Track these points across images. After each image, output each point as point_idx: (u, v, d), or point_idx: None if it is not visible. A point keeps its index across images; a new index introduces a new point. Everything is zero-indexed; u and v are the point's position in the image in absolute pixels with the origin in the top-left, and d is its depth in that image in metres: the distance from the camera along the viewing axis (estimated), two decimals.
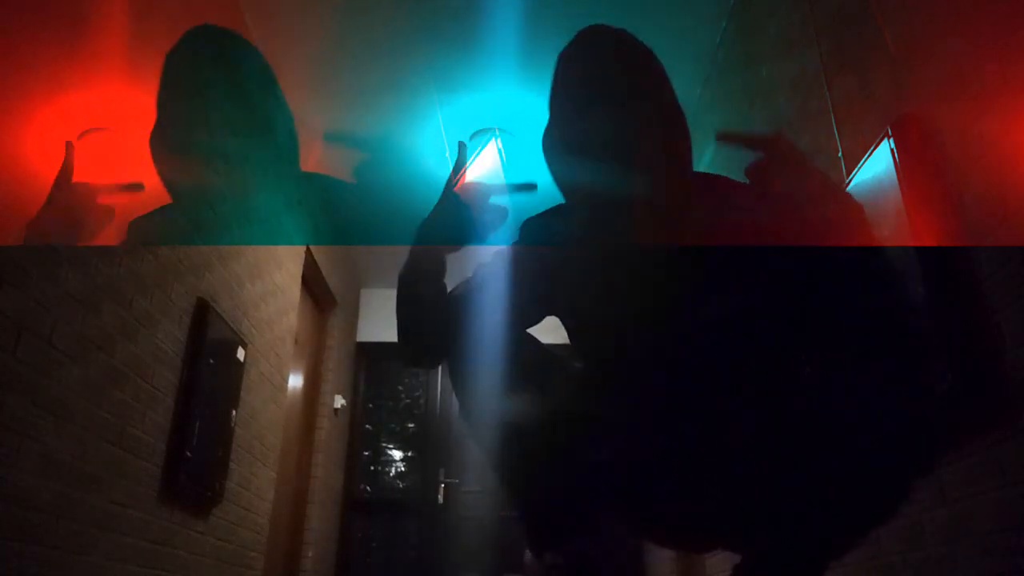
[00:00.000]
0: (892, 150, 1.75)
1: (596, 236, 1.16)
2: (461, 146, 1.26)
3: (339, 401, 4.73)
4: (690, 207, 1.11)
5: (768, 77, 2.68)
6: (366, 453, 5.38)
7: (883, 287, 1.05)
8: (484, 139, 3.74)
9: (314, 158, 3.97)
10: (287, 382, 3.79)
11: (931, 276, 1.61)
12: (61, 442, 1.86)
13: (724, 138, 1.12)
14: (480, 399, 1.17)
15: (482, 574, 4.74)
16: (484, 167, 3.80)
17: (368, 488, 5.32)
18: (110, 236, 1.90)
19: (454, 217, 1.21)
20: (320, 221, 1.66)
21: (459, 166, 1.25)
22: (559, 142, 1.12)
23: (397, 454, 5.49)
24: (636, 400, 1.13)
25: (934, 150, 1.67)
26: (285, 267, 3.74)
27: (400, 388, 5.65)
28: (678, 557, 3.91)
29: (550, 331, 1.36)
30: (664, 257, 1.12)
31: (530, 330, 1.26)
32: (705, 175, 1.20)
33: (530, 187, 1.27)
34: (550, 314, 1.25)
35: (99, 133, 2.06)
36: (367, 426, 5.45)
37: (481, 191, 1.24)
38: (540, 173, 1.26)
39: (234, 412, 2.93)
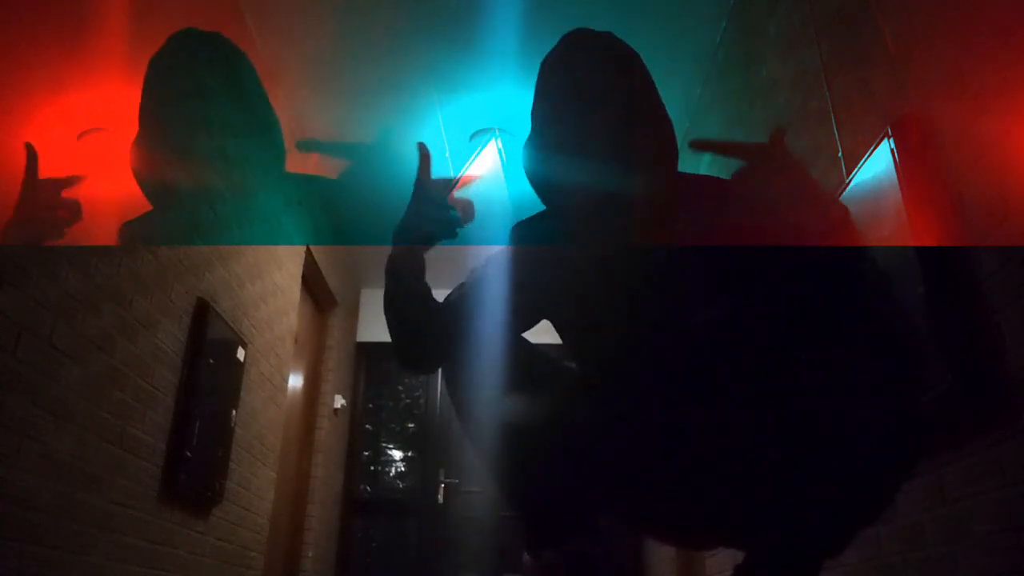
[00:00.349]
0: (892, 150, 1.75)
1: (584, 240, 1.16)
2: (421, 148, 1.26)
3: (339, 401, 4.73)
4: (676, 208, 1.11)
5: (768, 77, 2.68)
6: (366, 453, 5.38)
7: (879, 288, 1.05)
8: (484, 139, 3.74)
9: (314, 159, 3.97)
10: (287, 382, 3.79)
11: (931, 276, 1.61)
12: (61, 442, 1.86)
13: (699, 147, 1.10)
14: (475, 402, 1.17)
15: (482, 574, 4.74)
16: (484, 167, 3.80)
17: (368, 488, 5.32)
18: (110, 236, 1.90)
19: (416, 215, 1.22)
20: (320, 221, 1.67)
21: (424, 165, 1.25)
22: (543, 147, 1.12)
23: (397, 454, 5.49)
24: (631, 400, 1.13)
25: (934, 150, 1.67)
26: (285, 267, 3.74)
27: (400, 388, 5.65)
28: (678, 556, 3.91)
29: (543, 332, 1.36)
30: (656, 259, 1.12)
31: (526, 332, 1.26)
32: (694, 176, 1.20)
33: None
34: (543, 318, 1.25)
35: (99, 133, 2.06)
36: (367, 426, 5.45)
37: (440, 186, 1.24)
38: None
39: (234, 412, 2.93)
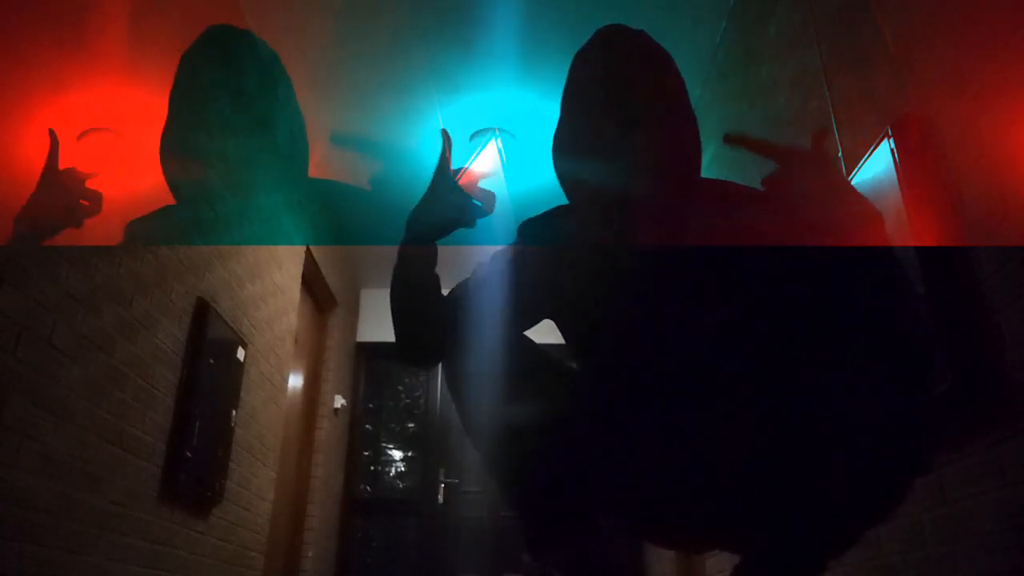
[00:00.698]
0: (892, 150, 1.75)
1: (597, 238, 1.15)
2: (444, 134, 1.24)
3: (339, 401, 4.73)
4: (696, 213, 1.11)
5: (768, 77, 2.68)
6: (366, 453, 5.38)
7: (884, 288, 1.05)
8: (484, 139, 3.74)
9: (314, 159, 3.97)
10: (287, 382, 3.79)
11: (931, 276, 1.61)
12: (61, 442, 1.86)
13: (734, 141, 1.09)
14: (477, 401, 1.17)
15: (482, 574, 4.74)
16: (484, 167, 3.80)
17: (368, 488, 5.32)
18: (110, 236, 1.91)
19: (444, 198, 1.18)
20: (320, 221, 1.69)
21: (447, 150, 1.23)
22: (570, 142, 1.12)
23: (397, 454, 5.49)
24: (633, 401, 1.13)
25: (934, 150, 1.67)
26: (285, 267, 3.74)
27: (400, 388, 5.65)
28: (678, 557, 3.91)
29: (546, 332, 1.36)
30: (662, 259, 1.12)
31: (528, 332, 1.26)
32: (716, 181, 1.20)
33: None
34: (546, 317, 1.24)
35: (99, 133, 2.06)
36: (367, 426, 5.45)
37: (459, 174, 1.23)
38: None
39: (234, 412, 2.93)
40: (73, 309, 1.91)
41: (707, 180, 1.18)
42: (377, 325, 5.35)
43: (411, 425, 5.53)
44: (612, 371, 1.18)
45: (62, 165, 1.43)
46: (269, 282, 3.48)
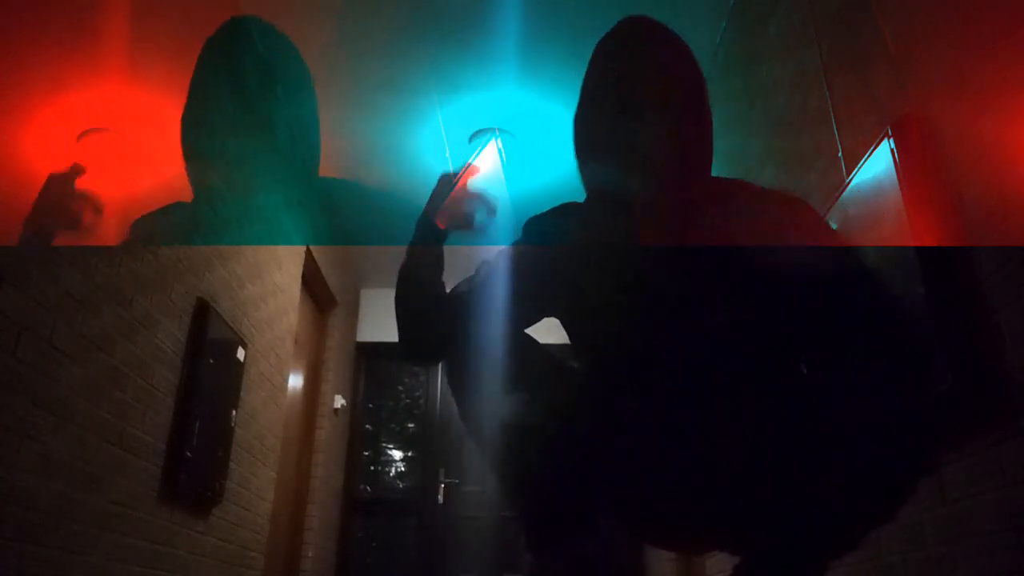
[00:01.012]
0: (892, 150, 1.75)
1: (604, 235, 1.16)
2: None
3: (339, 401, 4.73)
4: (705, 211, 1.12)
5: (768, 77, 2.68)
6: (366, 453, 5.38)
7: (880, 288, 1.05)
8: (484, 139, 3.74)
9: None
10: (287, 382, 3.79)
11: (931, 276, 1.61)
12: (61, 442, 1.86)
13: None
14: (478, 399, 1.17)
15: (482, 574, 4.74)
16: (484, 167, 3.79)
17: (368, 488, 5.32)
18: (110, 236, 1.91)
19: (429, 208, 1.24)
20: (320, 221, 1.72)
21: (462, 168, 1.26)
22: (587, 129, 1.13)
23: (397, 454, 5.48)
24: (634, 400, 1.12)
25: (934, 150, 1.67)
26: (285, 267, 3.74)
27: (400, 388, 5.65)
28: (678, 557, 3.91)
29: (549, 331, 1.36)
30: (665, 258, 1.12)
31: (530, 331, 1.26)
32: (728, 180, 1.20)
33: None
34: (550, 315, 1.25)
35: (99, 133, 2.06)
36: (367, 426, 5.45)
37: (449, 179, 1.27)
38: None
39: (234, 412, 2.93)
40: (73, 309, 1.91)
41: (718, 179, 1.18)
42: (377, 325, 5.35)
43: (411, 425, 5.53)
44: (614, 369, 1.18)
45: (62, 165, 1.44)
46: (269, 282, 3.48)
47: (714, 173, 1.21)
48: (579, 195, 1.31)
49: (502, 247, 1.25)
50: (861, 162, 1.90)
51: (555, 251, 1.20)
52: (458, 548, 4.90)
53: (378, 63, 3.36)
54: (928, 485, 1.65)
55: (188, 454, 2.49)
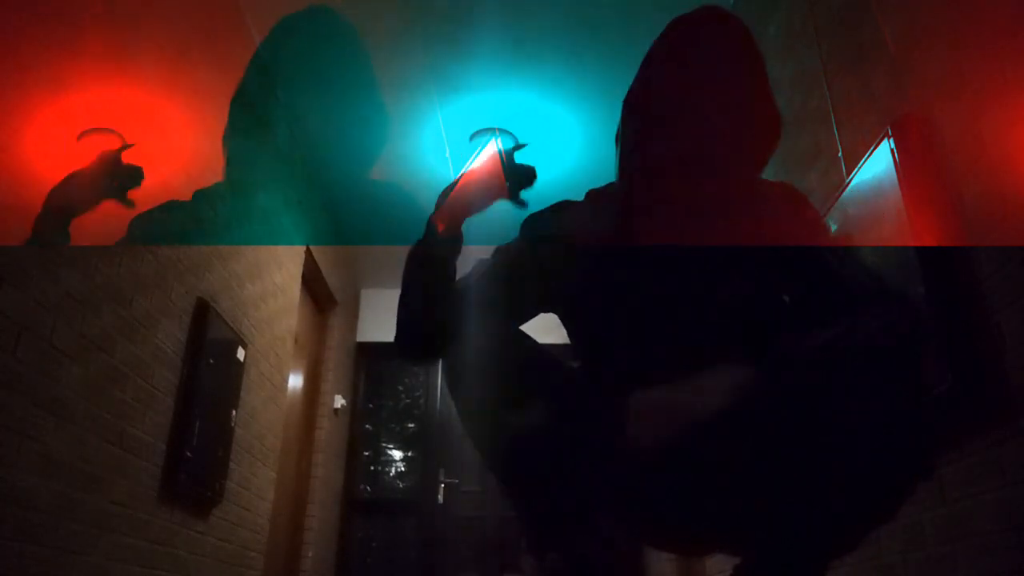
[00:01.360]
0: (892, 150, 1.75)
1: (604, 233, 1.16)
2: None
3: (339, 401, 4.72)
4: (751, 213, 1.13)
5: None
6: (366, 453, 5.38)
7: (882, 291, 1.05)
8: (484, 139, 3.73)
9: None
10: (287, 382, 3.79)
11: (931, 276, 1.61)
12: (61, 442, 1.86)
13: None
14: (476, 397, 1.17)
15: (482, 574, 4.74)
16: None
17: (368, 488, 5.32)
18: (110, 236, 1.91)
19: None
20: (320, 221, 1.76)
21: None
22: (647, 103, 1.14)
23: (397, 454, 5.49)
24: (635, 400, 1.12)
25: (934, 150, 1.67)
26: (285, 267, 3.74)
27: (400, 388, 5.65)
28: (678, 558, 3.91)
29: (549, 331, 1.36)
30: (667, 257, 1.12)
31: (529, 331, 1.25)
32: (773, 183, 1.21)
33: (520, 146, 1.30)
34: (547, 310, 1.25)
35: (99, 133, 2.06)
36: (367, 426, 5.45)
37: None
38: (540, 173, 1.26)
39: (234, 412, 2.93)
40: (73, 309, 1.91)
41: (766, 182, 1.19)
42: (377, 325, 5.35)
43: (411, 425, 5.53)
44: (613, 369, 1.18)
45: (57, 167, 1.46)
46: (269, 282, 3.48)
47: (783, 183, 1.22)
48: (578, 194, 1.31)
49: (501, 246, 1.25)
50: (861, 162, 1.91)
51: (553, 247, 1.20)
52: (458, 548, 4.90)
53: (378, 63, 3.35)
54: (928, 485, 1.65)
55: (188, 454, 2.49)
